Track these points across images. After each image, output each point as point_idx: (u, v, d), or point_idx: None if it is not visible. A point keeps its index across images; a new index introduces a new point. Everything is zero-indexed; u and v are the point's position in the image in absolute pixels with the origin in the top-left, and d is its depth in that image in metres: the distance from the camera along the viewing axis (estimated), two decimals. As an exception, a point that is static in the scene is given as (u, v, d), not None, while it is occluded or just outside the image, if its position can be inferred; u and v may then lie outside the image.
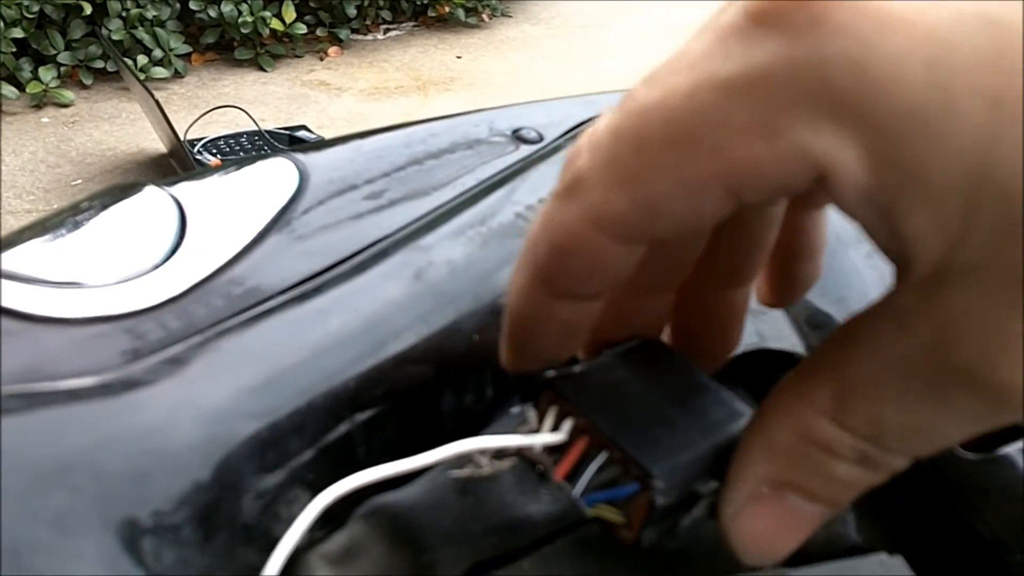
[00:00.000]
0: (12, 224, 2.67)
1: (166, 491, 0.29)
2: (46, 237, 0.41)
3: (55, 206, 2.78)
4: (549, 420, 0.27)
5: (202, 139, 2.81)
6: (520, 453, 0.29)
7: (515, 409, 0.29)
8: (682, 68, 0.20)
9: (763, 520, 0.24)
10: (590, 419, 0.26)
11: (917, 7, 0.17)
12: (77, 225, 0.42)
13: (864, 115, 0.17)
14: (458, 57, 4.48)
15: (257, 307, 0.37)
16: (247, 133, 2.90)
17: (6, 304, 0.35)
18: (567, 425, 0.27)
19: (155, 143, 3.10)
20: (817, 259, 0.31)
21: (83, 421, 0.30)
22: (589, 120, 0.58)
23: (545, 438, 0.27)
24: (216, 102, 3.33)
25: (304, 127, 3.08)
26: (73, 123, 3.36)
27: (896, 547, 0.36)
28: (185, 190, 0.46)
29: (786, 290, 0.32)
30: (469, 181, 0.49)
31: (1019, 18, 0.17)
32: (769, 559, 0.25)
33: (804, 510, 0.24)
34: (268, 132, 2.90)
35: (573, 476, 0.27)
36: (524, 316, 0.26)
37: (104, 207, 0.44)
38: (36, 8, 3.38)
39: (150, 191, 0.45)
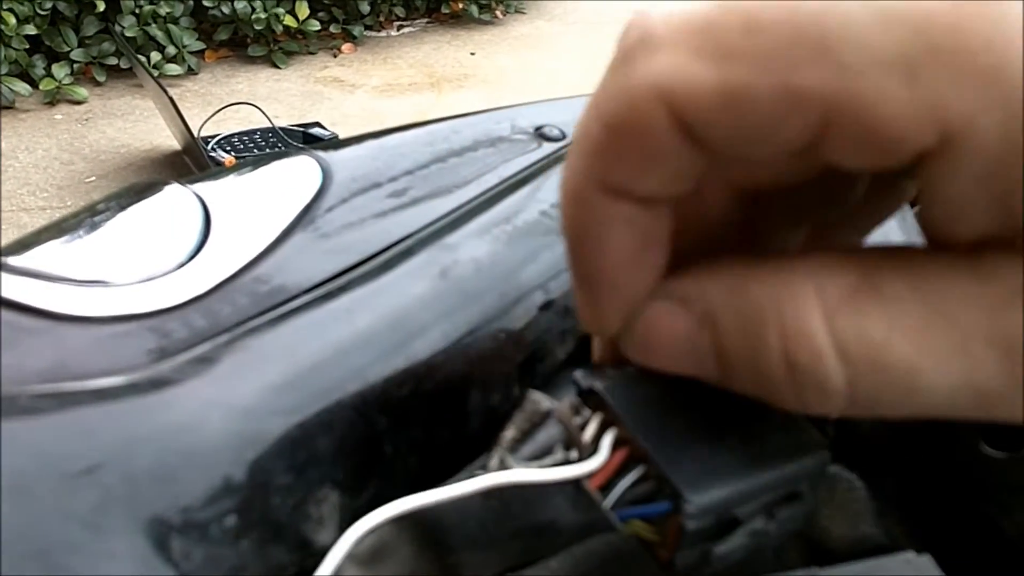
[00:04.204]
0: (26, 221, 2.68)
1: (196, 490, 0.29)
2: (70, 236, 0.41)
3: (69, 203, 2.79)
4: (591, 429, 0.26)
5: (216, 136, 2.82)
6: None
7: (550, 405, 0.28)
8: None
9: (668, 323, 0.22)
10: (631, 431, 0.25)
11: None
12: (101, 224, 0.42)
13: (1003, 75, 0.15)
14: (472, 54, 4.48)
15: (283, 305, 0.37)
16: (261, 130, 2.91)
17: (33, 303, 0.35)
18: (609, 438, 0.26)
19: (169, 140, 3.11)
20: None
21: (112, 421, 0.30)
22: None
23: (583, 468, 0.26)
24: (230, 99, 3.33)
25: (318, 124, 3.09)
26: (87, 120, 3.37)
27: (923, 546, 0.36)
28: (208, 188, 0.46)
29: None
30: (492, 179, 0.49)
31: None
32: (643, 356, 0.23)
33: (707, 361, 0.21)
34: (282, 129, 2.91)
35: (609, 487, 0.26)
36: (581, 225, 0.21)
37: (127, 206, 0.44)
38: (49, 5, 3.40)
39: (173, 189, 0.45)
